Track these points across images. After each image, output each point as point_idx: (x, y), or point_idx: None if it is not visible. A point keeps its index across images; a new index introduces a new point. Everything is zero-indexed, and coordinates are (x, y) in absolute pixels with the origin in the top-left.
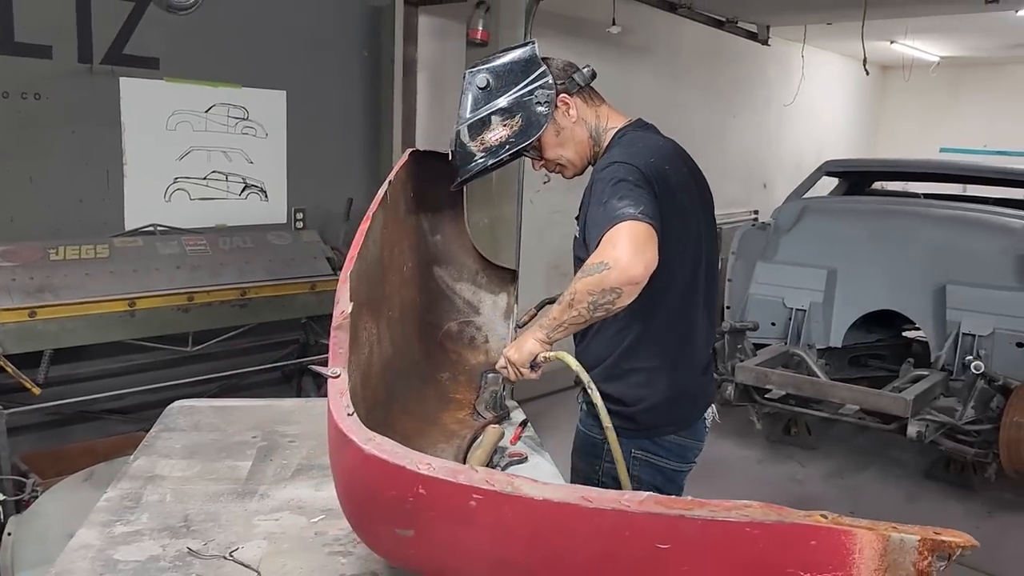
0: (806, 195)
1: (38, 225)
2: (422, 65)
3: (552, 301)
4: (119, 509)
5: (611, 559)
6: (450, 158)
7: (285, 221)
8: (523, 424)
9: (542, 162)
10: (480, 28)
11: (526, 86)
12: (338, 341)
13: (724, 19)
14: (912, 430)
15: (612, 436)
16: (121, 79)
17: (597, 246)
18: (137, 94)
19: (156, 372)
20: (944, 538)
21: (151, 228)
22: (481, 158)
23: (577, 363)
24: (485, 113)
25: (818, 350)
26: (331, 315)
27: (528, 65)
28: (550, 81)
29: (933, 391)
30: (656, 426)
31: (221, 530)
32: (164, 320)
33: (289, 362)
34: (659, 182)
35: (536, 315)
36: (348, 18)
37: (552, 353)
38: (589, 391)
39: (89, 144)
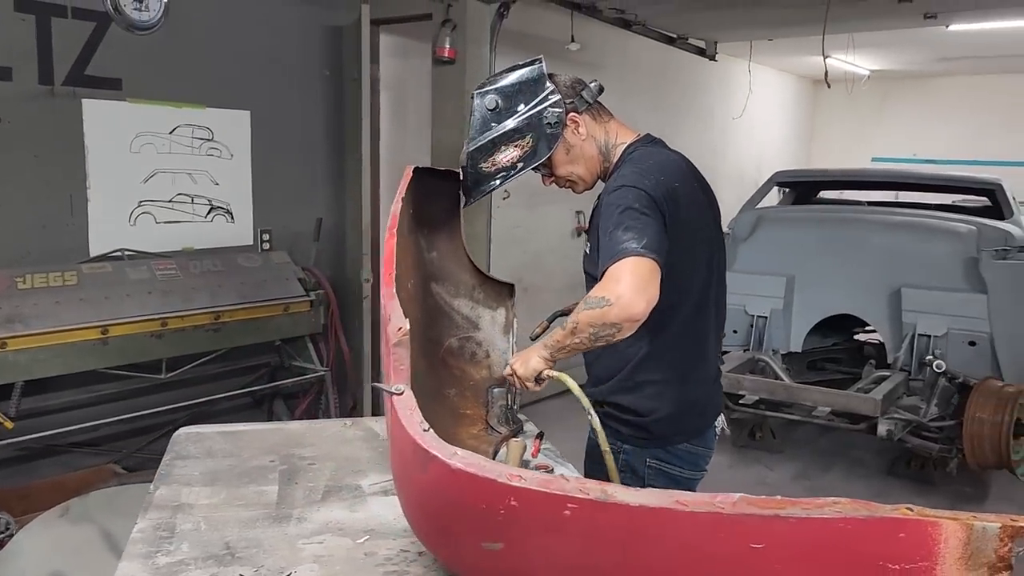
0: (759, 205)
1: (0, 252)
2: (384, 84)
3: (565, 314)
4: (155, 540)
5: (705, 561)
6: (461, 178)
7: (252, 243)
8: (539, 436)
9: (552, 178)
10: (447, 46)
11: (535, 106)
12: (398, 358)
13: (675, 36)
14: (882, 428)
15: (610, 459)
16: (83, 101)
17: (602, 277)
18: (100, 116)
19: (126, 401)
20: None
21: (118, 253)
22: (495, 179)
23: (578, 388)
24: (496, 134)
25: (780, 356)
26: (303, 337)
27: (536, 84)
28: (559, 100)
29: (897, 391)
30: (669, 436)
31: (267, 556)
32: (138, 347)
33: (262, 386)
34: (668, 202)
35: (548, 327)
36: (309, 37)
37: (555, 373)
38: (589, 417)
39: (52, 168)
